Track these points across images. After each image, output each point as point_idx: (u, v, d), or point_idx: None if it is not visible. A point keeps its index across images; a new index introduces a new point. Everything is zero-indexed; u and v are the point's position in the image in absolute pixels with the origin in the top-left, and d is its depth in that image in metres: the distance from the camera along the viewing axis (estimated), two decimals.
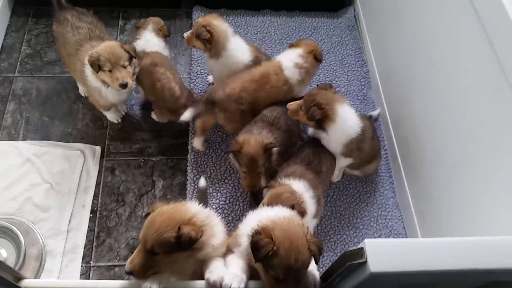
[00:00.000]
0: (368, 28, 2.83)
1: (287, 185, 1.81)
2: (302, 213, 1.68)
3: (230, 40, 2.22)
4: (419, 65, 2.16)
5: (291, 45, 2.32)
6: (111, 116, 2.46)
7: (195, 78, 2.66)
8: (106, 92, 2.17)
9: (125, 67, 2.05)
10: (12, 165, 2.25)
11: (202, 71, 2.69)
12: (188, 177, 2.30)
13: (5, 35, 2.72)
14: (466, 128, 1.79)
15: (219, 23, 2.18)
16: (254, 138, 1.95)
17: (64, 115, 2.47)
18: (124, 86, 2.03)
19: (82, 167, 2.29)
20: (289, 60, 2.21)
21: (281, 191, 1.74)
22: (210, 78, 2.63)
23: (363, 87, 2.71)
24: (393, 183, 2.38)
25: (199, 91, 2.62)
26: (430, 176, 2.05)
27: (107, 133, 2.43)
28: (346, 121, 1.98)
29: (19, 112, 2.46)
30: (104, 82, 2.09)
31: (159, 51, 2.32)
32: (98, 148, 2.36)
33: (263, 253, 1.30)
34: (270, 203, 1.66)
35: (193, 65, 2.71)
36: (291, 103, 2.06)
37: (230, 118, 2.18)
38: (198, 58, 2.73)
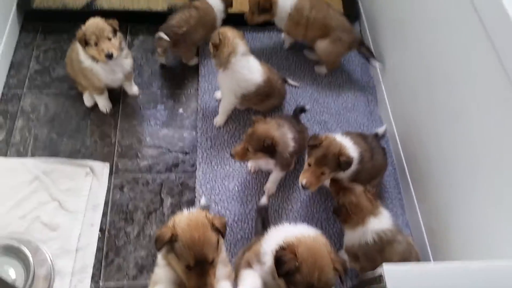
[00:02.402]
0: (374, 43, 2.84)
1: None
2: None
3: (236, 56, 2.22)
4: (427, 81, 2.17)
5: None
6: (102, 104, 2.53)
7: (202, 94, 2.67)
8: (97, 70, 2.27)
9: (110, 39, 2.17)
10: (21, 183, 2.25)
11: (210, 87, 2.70)
12: (196, 194, 2.30)
13: (15, 51, 2.74)
14: (476, 147, 1.78)
15: (233, 36, 2.21)
16: (270, 126, 1.98)
17: (73, 132, 2.47)
18: (109, 56, 2.15)
19: (91, 184, 2.29)
20: None
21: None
22: (218, 94, 2.64)
23: (370, 102, 2.72)
24: (402, 200, 2.37)
25: (207, 106, 2.62)
26: (440, 193, 2.05)
27: (116, 150, 2.44)
28: None
29: (27, 129, 2.46)
30: (93, 57, 2.21)
31: (214, 5, 2.65)
32: (106, 165, 2.36)
33: (286, 268, 1.32)
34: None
35: (200, 81, 2.72)
36: None
37: None
38: (206, 74, 2.74)
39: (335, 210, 1.94)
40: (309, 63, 2.86)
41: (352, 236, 1.90)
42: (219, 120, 2.54)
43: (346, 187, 1.97)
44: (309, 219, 2.27)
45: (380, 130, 2.52)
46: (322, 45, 2.65)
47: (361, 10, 3.03)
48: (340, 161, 1.91)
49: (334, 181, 2.03)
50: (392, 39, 2.58)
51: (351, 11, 3.04)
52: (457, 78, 1.89)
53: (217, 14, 2.67)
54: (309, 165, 1.95)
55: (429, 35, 2.13)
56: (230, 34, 2.22)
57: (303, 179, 1.95)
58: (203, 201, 2.21)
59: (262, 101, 2.45)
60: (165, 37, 2.46)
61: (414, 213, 2.24)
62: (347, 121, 2.63)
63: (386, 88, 2.64)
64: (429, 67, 2.13)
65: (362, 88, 2.77)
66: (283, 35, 2.94)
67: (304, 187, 1.94)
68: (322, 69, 2.81)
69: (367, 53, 2.72)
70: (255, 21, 2.62)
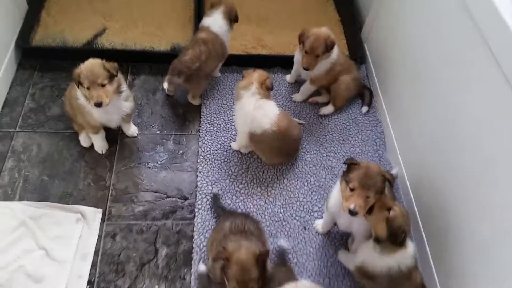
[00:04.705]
0: (382, 87, 2.76)
1: None
2: None
3: (247, 93, 2.22)
4: (440, 127, 2.07)
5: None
6: (98, 145, 2.42)
7: (204, 136, 2.56)
8: (91, 109, 2.16)
9: (103, 85, 2.05)
10: (5, 229, 2.08)
11: (212, 128, 2.59)
12: (194, 244, 2.13)
13: (10, 88, 2.64)
14: (496, 202, 1.65)
15: (255, 78, 2.24)
16: (244, 247, 1.70)
17: (65, 174, 2.34)
18: (98, 105, 2.04)
19: (81, 232, 2.13)
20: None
21: None
22: (234, 145, 2.55)
23: (378, 147, 2.60)
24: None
25: (208, 149, 2.50)
26: (456, 249, 1.89)
27: (109, 194, 2.29)
28: None
29: (17, 170, 2.32)
30: (86, 97, 2.11)
31: (220, 33, 2.58)
32: (99, 211, 2.21)
33: None
34: None
35: (202, 122, 2.62)
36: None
37: None
38: (208, 116, 2.65)
39: (392, 235, 1.74)
40: (314, 107, 2.77)
41: (385, 260, 1.79)
42: (234, 145, 2.52)
43: (392, 205, 1.79)
44: (315, 274, 2.10)
45: (393, 172, 2.41)
46: (346, 79, 2.66)
47: (367, 54, 2.98)
48: (388, 178, 1.80)
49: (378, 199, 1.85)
50: (402, 84, 2.50)
51: (357, 55, 2.99)
52: (476, 128, 1.79)
53: (224, 40, 2.60)
54: (352, 189, 1.80)
55: (444, 81, 2.05)
56: (256, 75, 2.25)
57: (350, 204, 1.77)
58: (202, 267, 2.02)
59: (269, 153, 2.39)
60: (177, 80, 2.50)
61: (429, 269, 2.07)
62: None
63: (396, 134, 2.53)
64: (445, 114, 2.03)
65: (369, 132, 2.67)
66: (287, 77, 2.88)
67: (352, 213, 1.77)
68: (329, 109, 2.74)
69: (367, 98, 2.81)
70: (316, 64, 2.49)
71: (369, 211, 1.81)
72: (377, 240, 1.78)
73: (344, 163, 1.88)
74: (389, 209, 1.76)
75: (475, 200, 1.79)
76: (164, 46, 2.90)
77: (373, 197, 1.79)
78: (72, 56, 2.75)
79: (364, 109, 2.76)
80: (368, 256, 1.86)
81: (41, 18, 2.96)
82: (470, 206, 1.82)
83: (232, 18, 2.60)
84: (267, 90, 2.24)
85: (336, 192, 1.96)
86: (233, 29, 2.67)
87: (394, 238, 1.74)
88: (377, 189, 1.78)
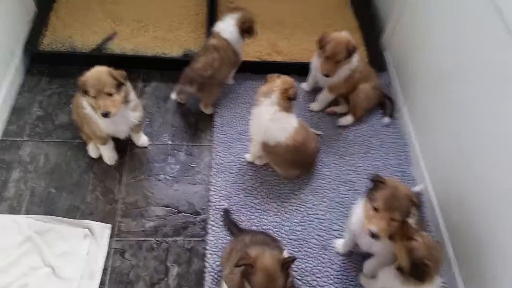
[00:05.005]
0: (404, 96, 2.63)
1: None
2: None
3: (266, 101, 2.10)
4: (470, 138, 1.94)
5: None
6: (107, 156, 2.31)
7: (216, 146, 2.44)
8: (97, 119, 2.06)
9: (111, 94, 1.93)
10: (11, 245, 1.98)
11: (225, 139, 2.48)
12: (207, 264, 2.02)
13: (17, 95, 2.55)
14: None
15: (277, 85, 2.10)
16: (268, 253, 1.57)
17: (73, 186, 2.23)
18: (105, 115, 1.93)
19: (89, 248, 2.02)
20: None
21: None
22: (247, 156, 2.43)
23: (401, 161, 2.46)
24: (444, 282, 2.05)
25: (221, 161, 2.39)
26: (492, 275, 1.75)
27: (119, 208, 2.18)
28: None
29: (23, 181, 2.23)
30: (92, 107, 2.00)
31: (230, 39, 2.45)
32: (108, 227, 2.10)
33: None
34: None
35: (215, 132, 2.50)
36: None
37: None
38: (221, 125, 2.53)
39: (412, 268, 1.58)
40: (332, 117, 2.65)
41: None
42: (249, 156, 2.40)
43: (414, 233, 1.63)
44: None
45: (418, 188, 2.29)
46: (366, 87, 2.54)
47: (388, 61, 2.85)
48: (414, 202, 1.66)
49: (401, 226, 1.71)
50: (427, 92, 2.36)
51: (377, 62, 2.84)
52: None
53: (236, 47, 2.49)
54: (375, 209, 1.67)
55: (473, 86, 1.92)
56: (279, 82, 2.11)
57: (371, 226, 1.66)
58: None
59: (283, 164, 2.28)
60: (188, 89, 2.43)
61: None
62: None
63: (421, 147, 2.39)
64: (475, 124, 1.90)
65: (392, 145, 2.53)
66: (303, 84, 2.76)
67: (374, 236, 1.65)
68: (348, 119, 2.61)
69: (388, 108, 2.68)
70: (337, 71, 2.37)
71: (392, 236, 1.68)
72: (399, 269, 1.65)
73: (370, 179, 1.75)
74: (410, 239, 1.62)
75: None
76: (176, 51, 2.80)
77: (398, 221, 1.66)
78: (81, 61, 2.66)
79: (386, 120, 2.62)
80: (390, 285, 1.73)
81: (49, 21, 2.87)
82: (507, 226, 1.68)
83: (244, 28, 2.47)
84: (288, 100, 2.10)
85: (358, 210, 1.84)
86: (245, 41, 2.56)
87: (414, 271, 1.59)
88: (403, 212, 1.65)
